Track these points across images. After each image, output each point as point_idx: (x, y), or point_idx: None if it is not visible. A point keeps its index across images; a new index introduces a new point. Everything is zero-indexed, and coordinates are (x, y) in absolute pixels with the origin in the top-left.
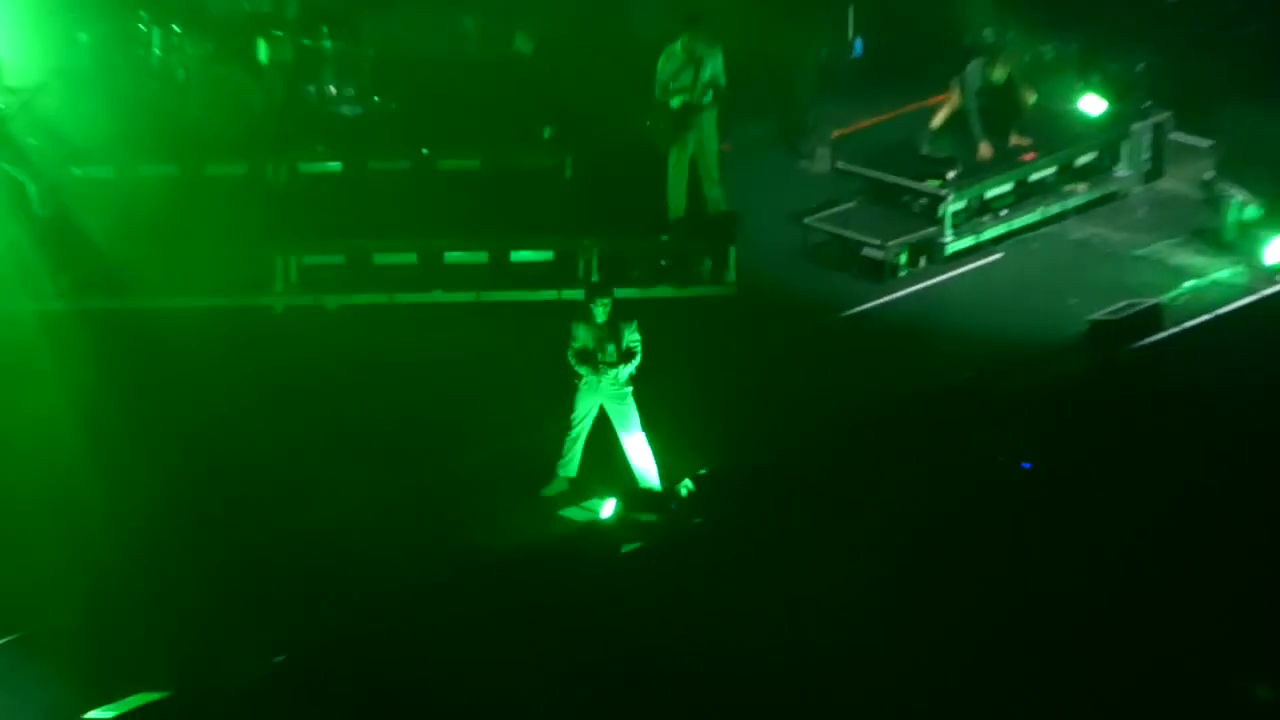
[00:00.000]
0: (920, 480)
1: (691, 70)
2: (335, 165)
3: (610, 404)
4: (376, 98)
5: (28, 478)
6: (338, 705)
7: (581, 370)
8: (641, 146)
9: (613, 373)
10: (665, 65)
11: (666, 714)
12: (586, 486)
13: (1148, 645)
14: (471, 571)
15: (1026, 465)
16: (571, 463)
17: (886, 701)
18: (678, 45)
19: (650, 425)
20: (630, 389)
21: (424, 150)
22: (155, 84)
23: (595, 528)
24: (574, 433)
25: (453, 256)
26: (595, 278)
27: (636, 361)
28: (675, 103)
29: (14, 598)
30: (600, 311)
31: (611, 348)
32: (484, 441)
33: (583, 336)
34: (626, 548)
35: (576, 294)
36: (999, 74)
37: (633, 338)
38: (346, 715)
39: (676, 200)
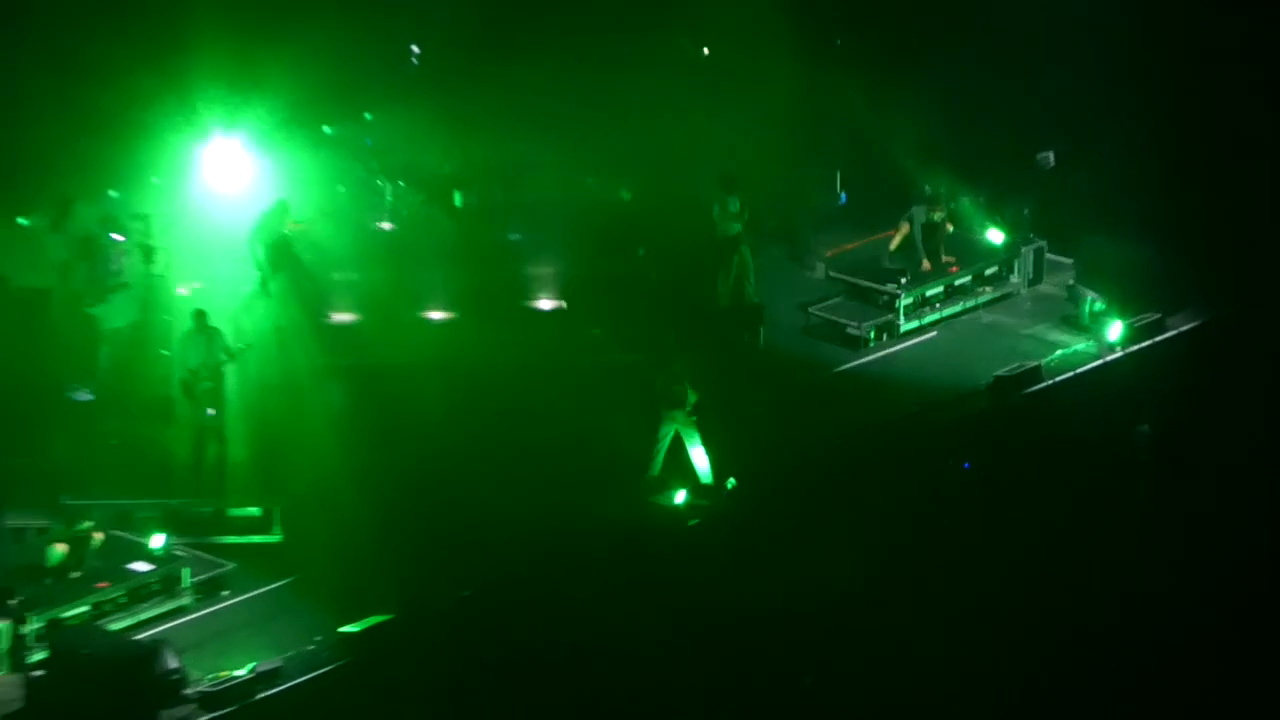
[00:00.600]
0: (890, 478)
1: (734, 213)
2: (503, 274)
3: (681, 427)
4: (532, 230)
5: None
6: (502, 629)
7: (665, 406)
8: (700, 261)
9: (684, 408)
10: (717, 210)
11: (719, 636)
12: (666, 482)
13: None
14: (593, 535)
15: (966, 465)
16: (655, 466)
17: (885, 635)
18: (728, 194)
19: (706, 440)
20: (694, 417)
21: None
22: (387, 219)
23: (672, 509)
24: (658, 446)
25: (581, 331)
26: (671, 346)
27: (695, 399)
28: (730, 231)
29: (292, 551)
30: (678, 367)
31: (686, 391)
32: (599, 452)
33: (665, 385)
34: (691, 522)
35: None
36: (935, 215)
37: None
38: (507, 634)
39: (723, 294)
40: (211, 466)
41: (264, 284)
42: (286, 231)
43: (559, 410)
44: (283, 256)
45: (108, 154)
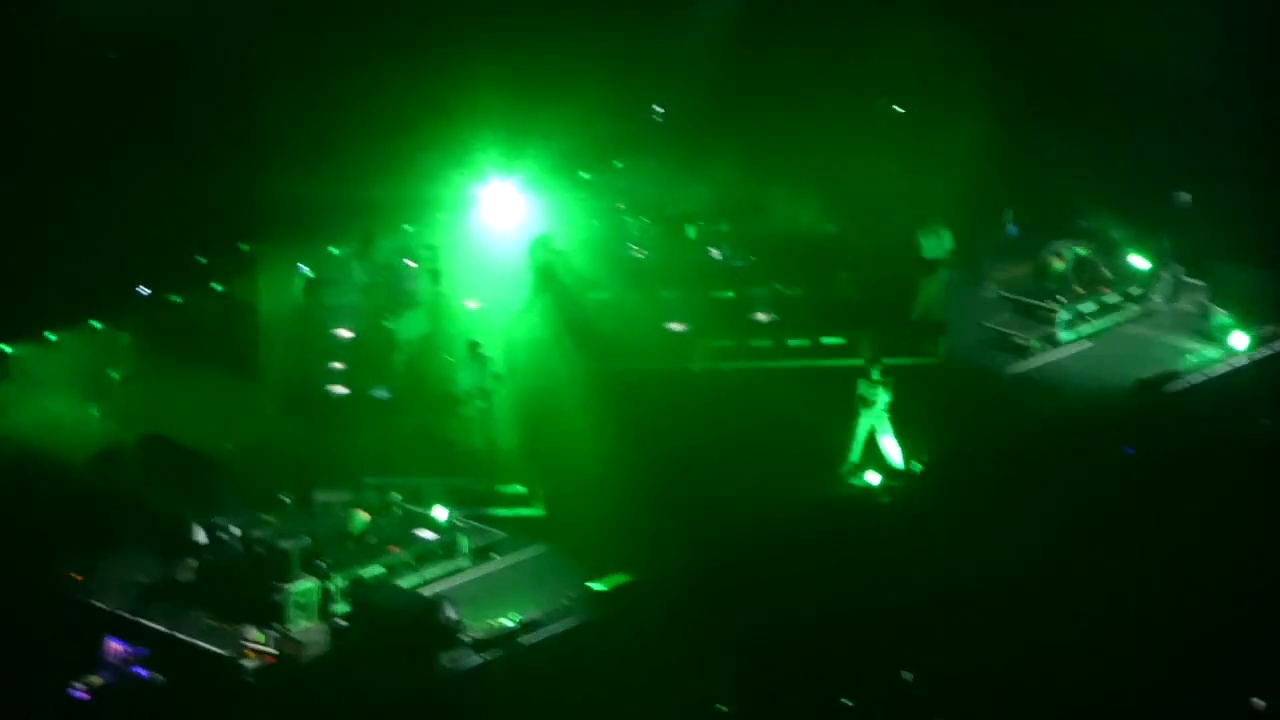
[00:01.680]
0: (1052, 466)
1: (936, 242)
2: (729, 294)
3: (876, 422)
4: (753, 257)
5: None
6: (724, 592)
7: (863, 404)
8: (892, 284)
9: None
10: (920, 239)
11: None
12: (864, 467)
13: None
14: (804, 510)
15: (1129, 450)
16: (855, 454)
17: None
18: (927, 228)
19: (896, 433)
20: (887, 414)
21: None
22: (634, 248)
23: (869, 489)
24: (856, 438)
25: (794, 341)
26: (868, 354)
27: (888, 399)
28: (925, 257)
29: (552, 523)
30: (874, 371)
31: (880, 391)
32: (810, 442)
33: (863, 387)
34: (884, 500)
35: (858, 363)
36: (1089, 245)
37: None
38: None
39: (915, 311)
40: (486, 453)
41: (532, 302)
42: (547, 258)
43: (775, 407)
44: (547, 279)
45: (402, 194)
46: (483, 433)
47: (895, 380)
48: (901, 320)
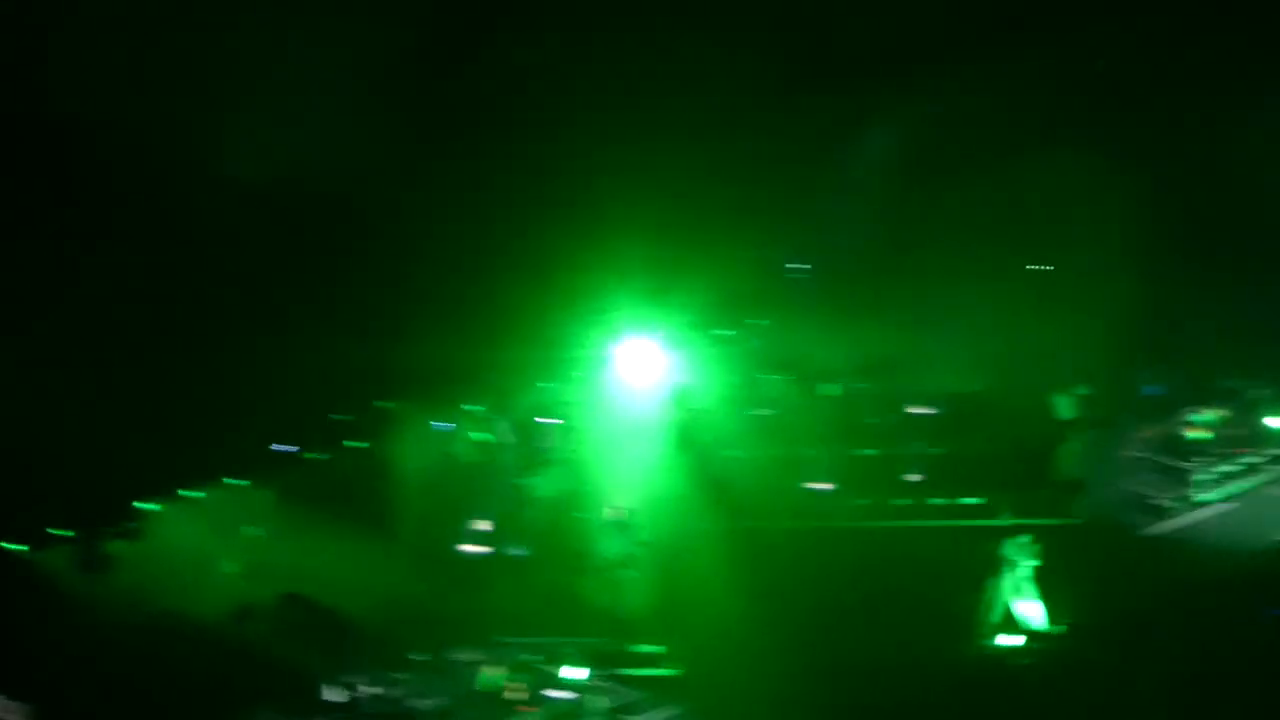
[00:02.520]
0: (1193, 630)
1: (1075, 403)
2: (869, 451)
3: (1019, 583)
4: (891, 415)
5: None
6: None
7: (1006, 566)
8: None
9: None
10: (1058, 399)
11: None
12: (1004, 628)
13: None
14: (949, 669)
15: (1276, 612)
16: (995, 615)
17: None
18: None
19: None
20: (1030, 577)
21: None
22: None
23: (1012, 651)
24: (999, 598)
25: (933, 500)
26: (1009, 517)
27: (1033, 564)
28: (1068, 416)
29: (689, 683)
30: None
31: (1024, 553)
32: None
33: (1008, 548)
34: (1025, 662)
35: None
36: (1230, 405)
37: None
38: None
39: (1057, 470)
40: (624, 613)
41: (672, 458)
42: (685, 415)
43: (918, 566)
44: (687, 435)
45: (542, 353)
46: (623, 595)
47: (1038, 542)
48: (1042, 480)
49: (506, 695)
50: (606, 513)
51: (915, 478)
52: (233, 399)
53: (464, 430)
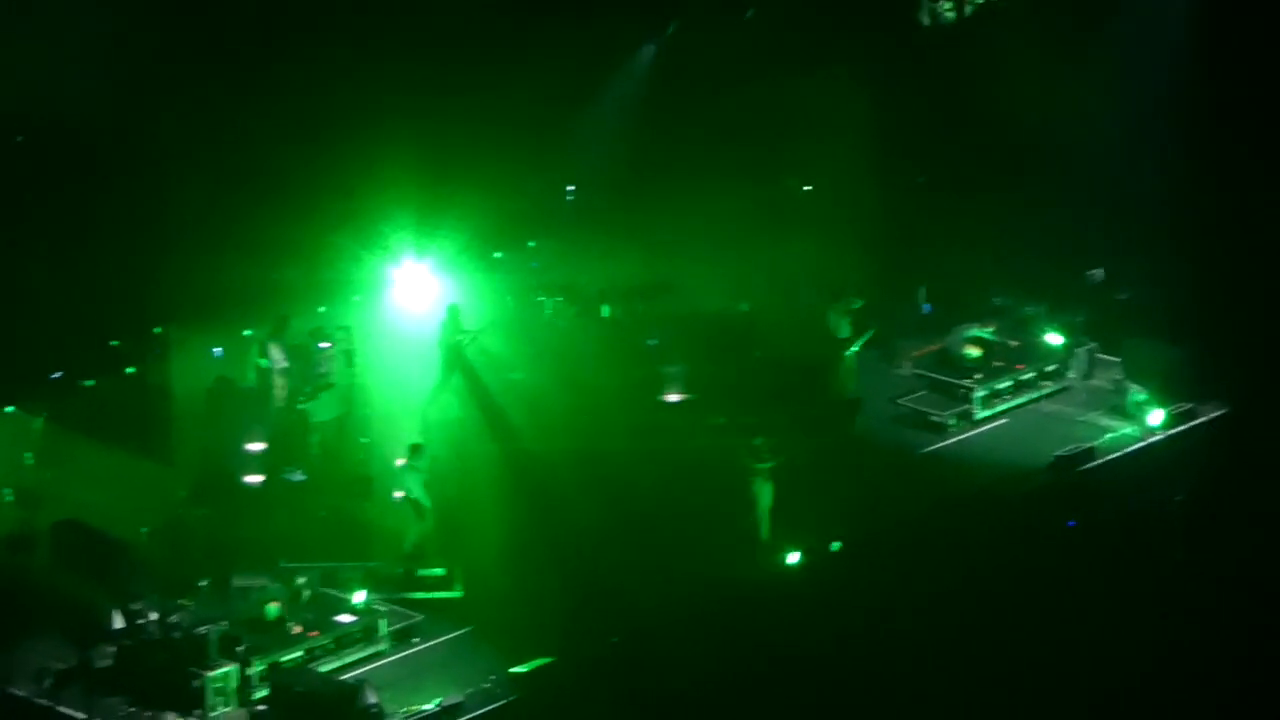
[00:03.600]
0: (967, 542)
1: (844, 320)
2: (640, 371)
3: (760, 488)
4: (664, 336)
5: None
6: (644, 669)
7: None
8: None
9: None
10: (830, 317)
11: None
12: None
13: None
14: (717, 588)
15: (1071, 524)
16: (764, 530)
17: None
18: (838, 306)
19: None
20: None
21: None
22: (547, 330)
23: (785, 568)
24: (758, 511)
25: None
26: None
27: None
28: (838, 334)
29: (471, 605)
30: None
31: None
32: (721, 518)
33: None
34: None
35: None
36: (1001, 324)
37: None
38: (649, 673)
39: (830, 388)
40: (404, 536)
41: (444, 381)
42: (459, 337)
43: (687, 485)
44: (457, 358)
45: (316, 276)
46: (404, 519)
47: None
48: (816, 398)
49: (290, 621)
50: (408, 453)
51: (687, 397)
52: (5, 325)
53: (240, 355)
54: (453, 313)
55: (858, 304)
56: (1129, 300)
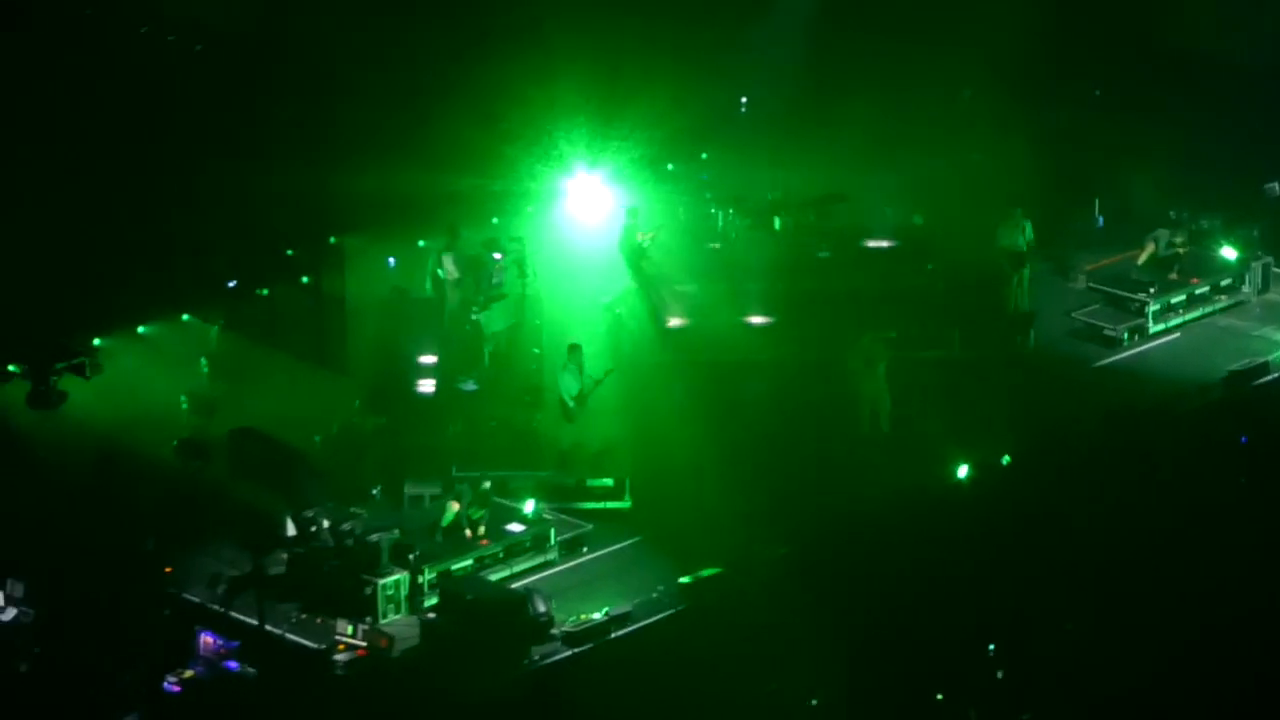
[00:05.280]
0: (1143, 458)
1: (1019, 234)
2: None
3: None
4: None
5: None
6: (811, 580)
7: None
8: (981, 274)
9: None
10: (1003, 231)
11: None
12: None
13: None
14: (897, 495)
15: (1244, 440)
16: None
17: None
18: (1009, 220)
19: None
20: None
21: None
22: (719, 240)
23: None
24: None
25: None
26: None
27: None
28: (1014, 248)
29: (640, 515)
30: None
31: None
32: (890, 433)
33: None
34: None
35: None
36: (1178, 236)
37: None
38: (816, 585)
39: (1007, 301)
40: (574, 446)
41: (620, 295)
42: (639, 240)
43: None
44: (637, 260)
45: (488, 187)
46: (575, 430)
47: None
48: (991, 312)
49: (462, 528)
50: (566, 356)
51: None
52: (183, 234)
53: (414, 265)
54: (632, 215)
55: (1027, 219)
56: None
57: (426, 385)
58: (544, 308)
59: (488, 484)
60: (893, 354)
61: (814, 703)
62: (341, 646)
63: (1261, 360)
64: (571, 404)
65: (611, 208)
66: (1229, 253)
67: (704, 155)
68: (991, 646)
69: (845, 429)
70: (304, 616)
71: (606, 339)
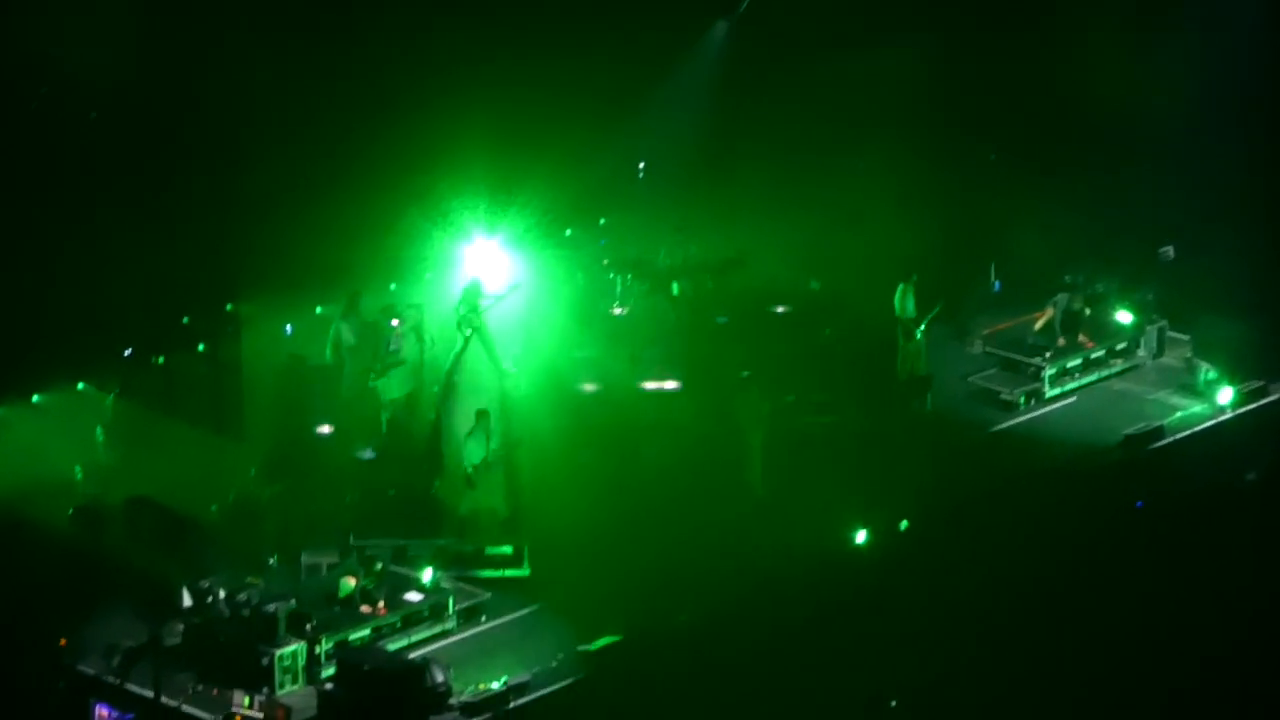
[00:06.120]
0: (1038, 519)
1: (914, 302)
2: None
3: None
4: (735, 314)
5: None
6: (712, 647)
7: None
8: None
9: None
10: (897, 296)
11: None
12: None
13: None
14: (792, 561)
15: (1139, 504)
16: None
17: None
18: (907, 284)
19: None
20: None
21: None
22: (618, 305)
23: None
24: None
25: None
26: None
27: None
28: (907, 313)
29: (538, 583)
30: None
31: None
32: (790, 497)
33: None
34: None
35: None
36: (1074, 300)
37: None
38: (716, 652)
39: (900, 366)
40: (473, 514)
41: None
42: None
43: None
44: (533, 337)
45: (387, 253)
46: (474, 497)
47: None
48: (887, 376)
49: (359, 598)
50: (475, 421)
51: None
52: (80, 303)
53: (311, 332)
54: (526, 291)
55: (920, 283)
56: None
57: (324, 429)
58: (441, 375)
59: (380, 564)
60: (788, 418)
61: None
62: (238, 718)
63: (1157, 424)
64: (472, 472)
65: (508, 273)
66: (1125, 316)
67: (602, 220)
68: (894, 703)
69: (742, 493)
70: (200, 688)
71: (506, 404)
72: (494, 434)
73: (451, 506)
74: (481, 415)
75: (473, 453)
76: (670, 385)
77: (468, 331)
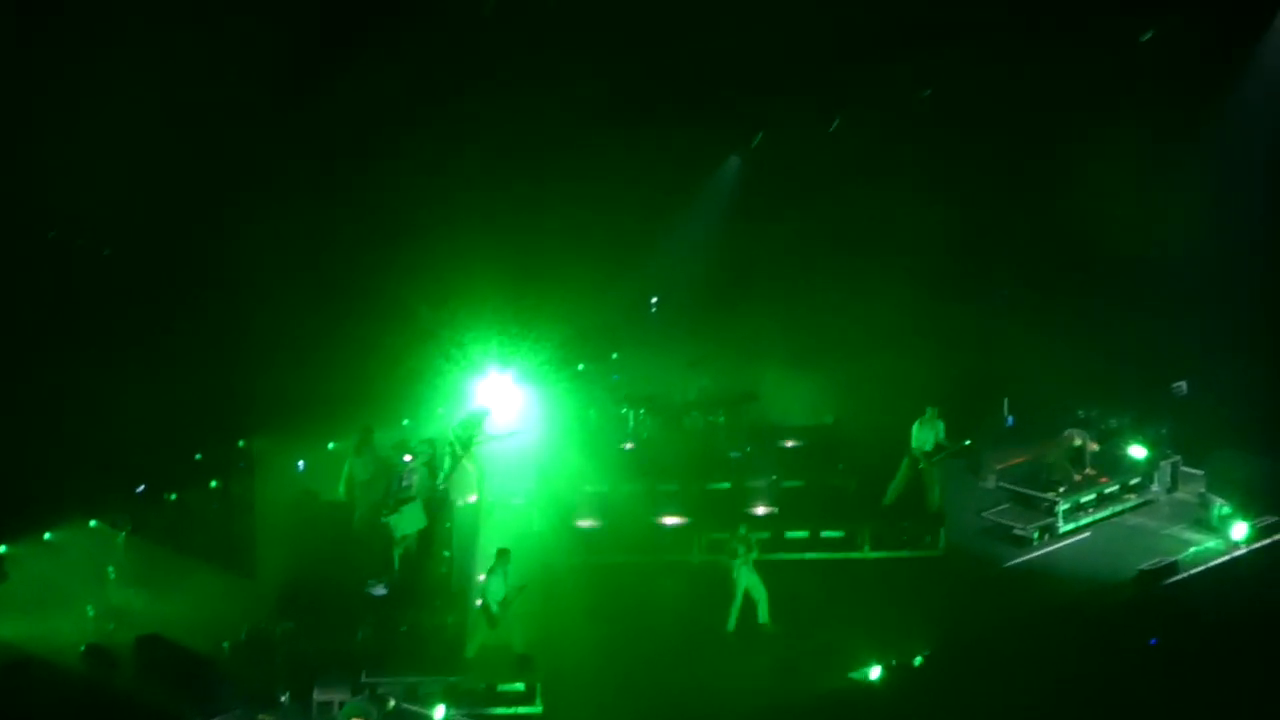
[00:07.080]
0: (1053, 655)
1: (932, 433)
2: (725, 484)
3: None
4: (749, 448)
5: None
6: None
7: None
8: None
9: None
10: (916, 432)
11: None
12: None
13: None
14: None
15: (1153, 641)
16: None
17: None
18: (924, 419)
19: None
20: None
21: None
22: (630, 440)
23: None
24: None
25: (791, 534)
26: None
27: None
28: (923, 448)
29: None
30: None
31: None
32: (807, 632)
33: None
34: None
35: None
36: (1089, 436)
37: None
38: None
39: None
40: (485, 650)
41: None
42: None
43: (774, 599)
44: (547, 472)
45: (399, 388)
46: (488, 634)
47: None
48: (901, 511)
49: None
50: (495, 559)
51: (767, 510)
52: (92, 440)
53: (324, 468)
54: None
55: (939, 418)
56: (1211, 412)
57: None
58: (456, 510)
59: (392, 702)
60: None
61: None
62: None
63: (1171, 560)
64: (495, 609)
65: (522, 407)
66: (1138, 451)
67: (615, 355)
68: None
69: (757, 628)
70: None
71: (518, 541)
72: (512, 572)
73: (463, 643)
74: (502, 553)
75: (495, 590)
76: (683, 520)
77: (459, 451)
